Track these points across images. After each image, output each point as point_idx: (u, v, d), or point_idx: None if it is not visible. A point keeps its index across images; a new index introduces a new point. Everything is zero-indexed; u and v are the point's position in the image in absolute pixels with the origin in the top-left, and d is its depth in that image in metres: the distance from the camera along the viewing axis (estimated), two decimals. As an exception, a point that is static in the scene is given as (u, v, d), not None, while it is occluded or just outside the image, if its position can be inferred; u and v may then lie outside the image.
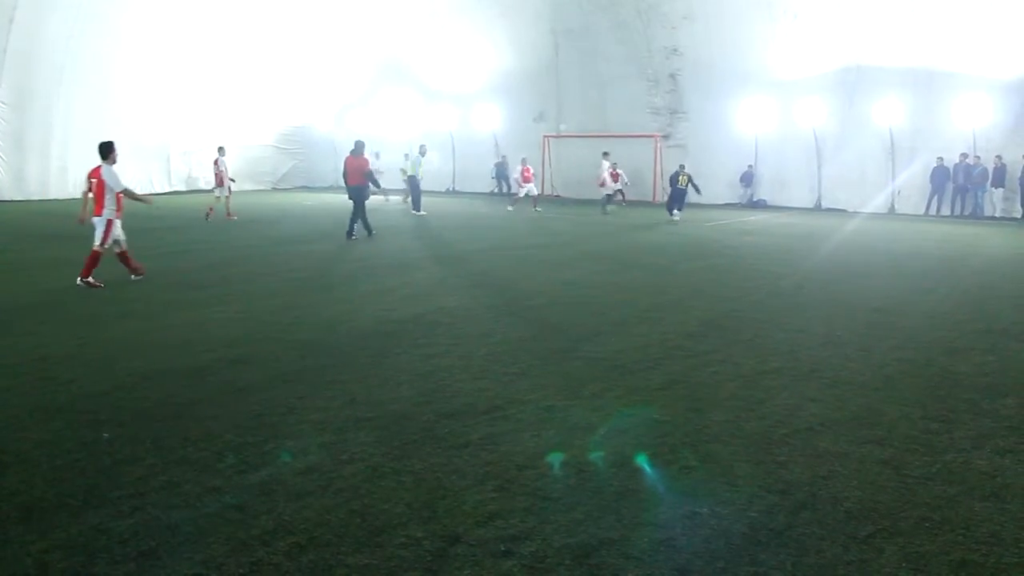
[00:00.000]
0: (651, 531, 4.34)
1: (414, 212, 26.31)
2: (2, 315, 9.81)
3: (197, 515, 4.42)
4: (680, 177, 25.43)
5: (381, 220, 23.70)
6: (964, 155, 27.48)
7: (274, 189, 39.27)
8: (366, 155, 19.96)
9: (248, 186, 39.26)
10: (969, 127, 27.27)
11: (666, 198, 26.56)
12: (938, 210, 28.52)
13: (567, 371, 7.54)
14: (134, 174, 33.45)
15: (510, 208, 28.80)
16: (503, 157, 36.33)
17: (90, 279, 11.93)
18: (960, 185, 28.07)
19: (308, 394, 6.61)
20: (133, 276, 12.53)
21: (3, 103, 28.64)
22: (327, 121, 41.13)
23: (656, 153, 32.99)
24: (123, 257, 12.56)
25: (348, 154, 19.59)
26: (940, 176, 28.26)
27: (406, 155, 30.70)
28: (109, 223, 12.24)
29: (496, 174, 36.47)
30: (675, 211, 24.98)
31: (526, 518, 4.45)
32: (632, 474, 5.11)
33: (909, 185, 29.09)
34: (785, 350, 8.42)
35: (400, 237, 19.52)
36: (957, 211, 28.26)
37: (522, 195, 29.45)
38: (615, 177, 30.52)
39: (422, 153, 27.55)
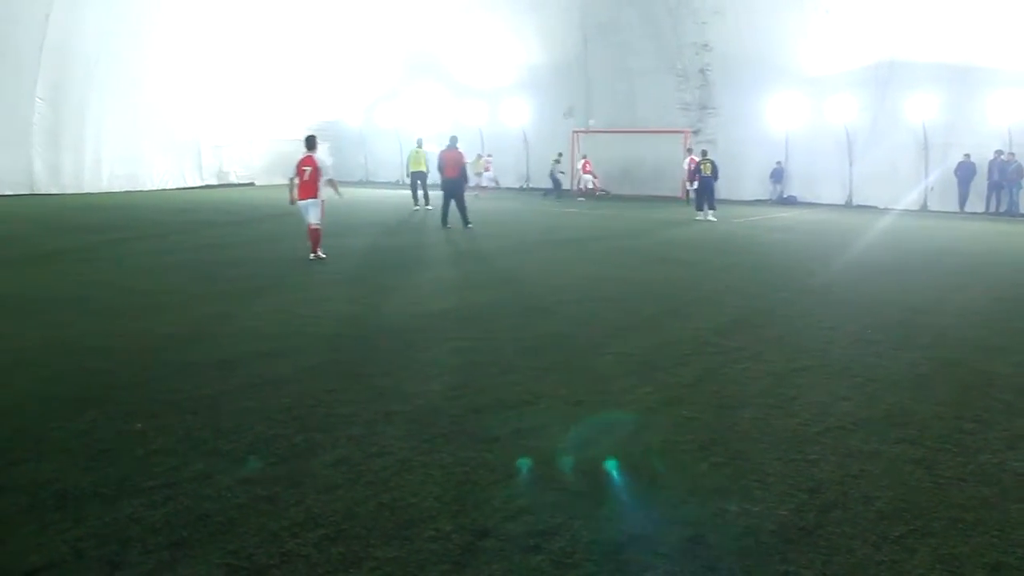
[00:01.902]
0: (680, 528, 4.32)
1: (416, 208, 26.15)
2: (39, 306, 9.94)
3: (228, 506, 4.45)
4: (703, 164, 24.68)
5: (409, 216, 23.83)
6: (999, 152, 27.05)
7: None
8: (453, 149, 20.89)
9: (278, 180, 39.44)
10: (1004, 123, 26.86)
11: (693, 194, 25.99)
12: (966, 206, 28.09)
13: (596, 367, 7.52)
14: (167, 168, 33.99)
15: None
16: (560, 155, 34.45)
17: (319, 252, 14.12)
18: (994, 182, 27.62)
19: (337, 387, 6.64)
20: (312, 256, 14.10)
21: (39, 98, 28.96)
22: (357, 115, 41.22)
23: (686, 149, 32.80)
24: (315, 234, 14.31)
25: (444, 149, 20.93)
26: (965, 172, 27.84)
27: (478, 155, 33.50)
28: (322, 203, 14.28)
29: (552, 172, 34.25)
30: (707, 209, 24.13)
31: (555, 513, 4.44)
32: (662, 471, 5.09)
33: (943, 182, 28.71)
34: (816, 348, 8.35)
35: (429, 233, 19.56)
36: (992, 208, 27.85)
37: (588, 186, 33.22)
38: (586, 169, 33.41)
39: (419, 145, 27.42)
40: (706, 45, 31.79)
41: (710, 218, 23.84)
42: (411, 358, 7.70)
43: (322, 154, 14.69)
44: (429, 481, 4.83)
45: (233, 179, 37.41)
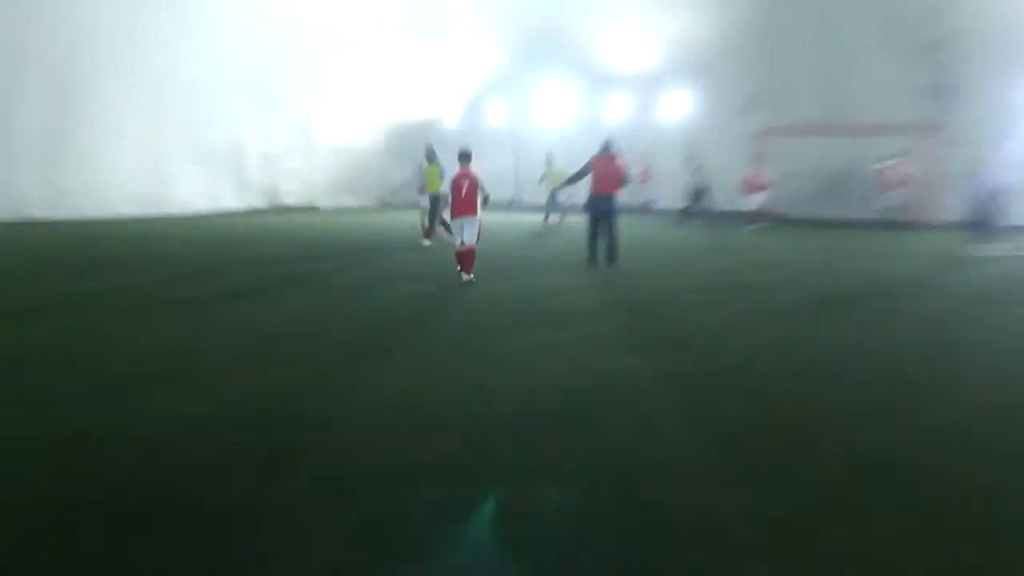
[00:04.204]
0: None
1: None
2: (19, 375, 10.19)
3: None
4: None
5: (523, 250, 23.94)
6: None
7: (384, 205, 39.98)
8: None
9: (346, 201, 40.09)
10: None
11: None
12: None
13: (812, 474, 7.14)
14: (197, 185, 35.35)
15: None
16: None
17: (471, 274, 17.38)
18: None
19: (439, 497, 6.49)
20: (465, 277, 17.36)
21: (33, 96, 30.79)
22: (454, 114, 41.81)
23: (924, 151, 32.00)
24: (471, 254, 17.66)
25: (595, 154, 20.75)
26: None
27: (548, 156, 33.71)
28: (480, 221, 17.70)
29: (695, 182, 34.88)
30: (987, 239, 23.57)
31: None
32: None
33: None
34: None
35: (548, 271, 19.52)
36: None
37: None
38: (756, 184, 33.59)
39: (430, 158, 27.02)
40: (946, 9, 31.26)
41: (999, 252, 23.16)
42: (547, 457, 7.48)
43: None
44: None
45: (291, 201, 38.05)
